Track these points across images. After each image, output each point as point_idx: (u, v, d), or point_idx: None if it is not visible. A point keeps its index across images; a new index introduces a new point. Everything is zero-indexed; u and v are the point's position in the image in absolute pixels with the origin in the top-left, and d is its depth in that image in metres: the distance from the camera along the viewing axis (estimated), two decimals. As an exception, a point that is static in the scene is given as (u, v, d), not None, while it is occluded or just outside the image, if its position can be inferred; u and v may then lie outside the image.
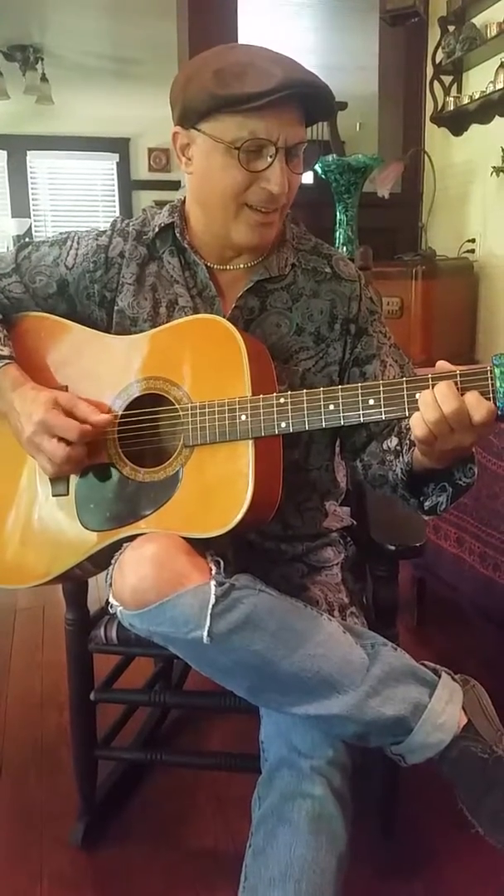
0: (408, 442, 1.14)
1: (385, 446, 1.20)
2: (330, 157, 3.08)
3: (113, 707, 1.63)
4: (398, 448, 1.16)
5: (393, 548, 1.38)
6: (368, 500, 1.50)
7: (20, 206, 7.15)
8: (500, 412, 0.98)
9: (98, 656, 1.48)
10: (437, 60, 3.46)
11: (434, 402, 0.97)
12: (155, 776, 1.71)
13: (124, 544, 1.12)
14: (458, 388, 0.98)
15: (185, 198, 1.25)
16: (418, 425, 0.99)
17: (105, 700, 1.52)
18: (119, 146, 7.29)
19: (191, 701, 1.64)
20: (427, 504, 1.14)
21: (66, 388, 1.22)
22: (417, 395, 1.00)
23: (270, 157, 1.09)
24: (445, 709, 1.09)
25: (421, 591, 2.36)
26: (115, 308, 1.25)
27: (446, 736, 1.09)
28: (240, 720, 1.62)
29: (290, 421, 1.06)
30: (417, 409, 1.00)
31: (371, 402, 1.03)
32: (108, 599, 1.13)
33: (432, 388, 0.98)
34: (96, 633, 1.44)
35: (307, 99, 1.09)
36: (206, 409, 1.10)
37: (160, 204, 1.34)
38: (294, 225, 1.29)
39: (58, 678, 2.01)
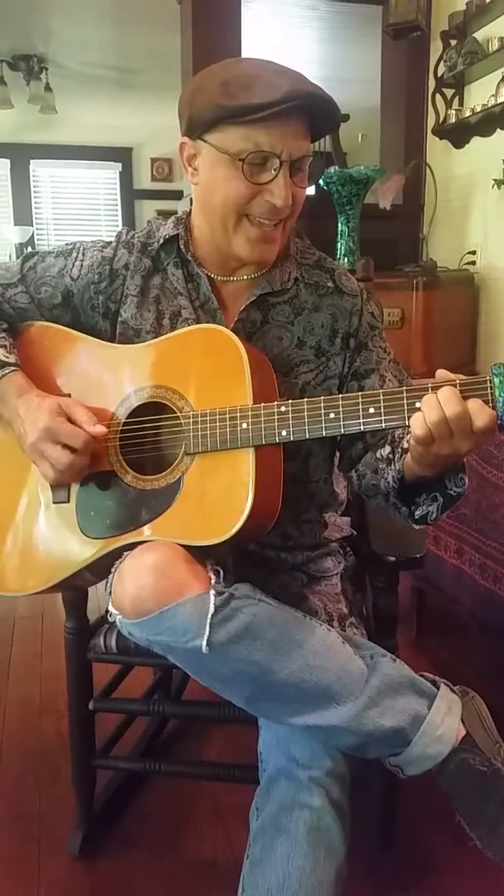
0: (400, 450, 1.14)
1: (378, 455, 1.21)
2: (332, 169, 3.10)
3: (112, 716, 1.63)
4: (390, 456, 1.17)
5: (393, 558, 1.38)
6: (369, 510, 1.50)
7: (23, 215, 7.18)
8: (499, 421, 0.98)
9: (97, 665, 1.48)
10: (439, 74, 3.48)
11: (437, 404, 0.98)
12: (153, 786, 1.70)
13: (124, 553, 1.12)
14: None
15: (190, 210, 1.26)
16: (419, 425, 0.99)
17: (104, 709, 1.52)
18: (122, 156, 7.32)
19: (189, 711, 1.64)
20: (418, 513, 1.15)
21: (69, 397, 1.23)
22: (418, 404, 1.01)
23: (275, 169, 1.10)
24: (444, 720, 1.09)
25: (420, 602, 2.36)
26: (119, 319, 1.26)
27: (445, 748, 1.08)
28: (238, 730, 1.62)
29: (291, 429, 1.07)
30: (418, 411, 1.00)
31: (371, 410, 1.03)
32: (107, 608, 1.13)
33: (435, 391, 0.99)
34: (95, 642, 1.44)
35: (313, 112, 1.10)
36: (208, 418, 1.10)
37: (162, 214, 1.35)
38: (298, 239, 1.29)
39: (57, 687, 2.01)
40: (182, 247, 1.24)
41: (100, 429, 1.16)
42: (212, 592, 1.03)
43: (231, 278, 1.24)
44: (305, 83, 1.08)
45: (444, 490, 1.11)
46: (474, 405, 0.98)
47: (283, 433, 1.07)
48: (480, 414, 0.97)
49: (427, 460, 1.05)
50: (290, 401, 1.08)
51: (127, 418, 1.19)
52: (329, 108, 1.10)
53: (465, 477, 1.10)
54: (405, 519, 1.18)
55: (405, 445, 1.11)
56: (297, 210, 1.17)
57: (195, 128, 1.13)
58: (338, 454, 1.32)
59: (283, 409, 1.07)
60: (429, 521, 1.14)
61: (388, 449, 1.18)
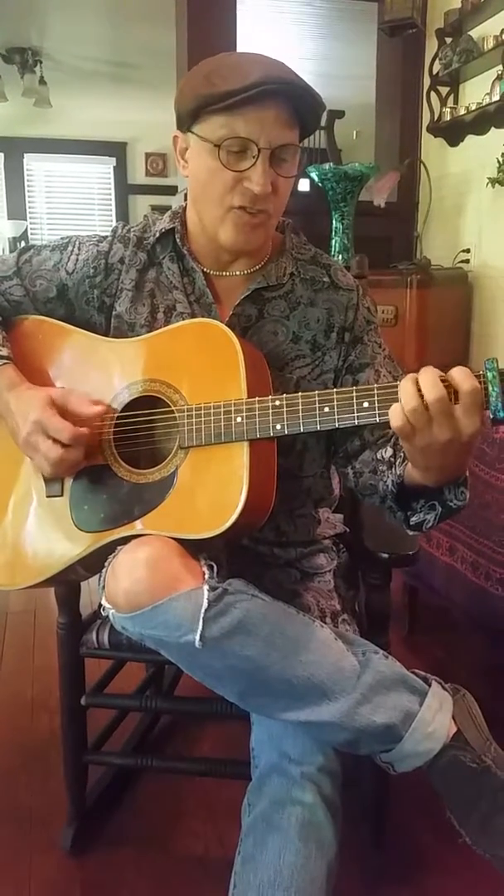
0: (402, 454, 1.13)
1: (379, 456, 1.20)
2: (326, 165, 3.10)
3: (103, 712, 1.63)
4: (392, 459, 1.17)
5: (386, 556, 1.38)
6: (362, 507, 1.50)
7: (16, 209, 7.15)
8: (492, 416, 0.97)
9: (89, 661, 1.47)
10: (435, 71, 3.49)
11: (416, 393, 0.96)
12: (145, 782, 1.70)
13: (118, 547, 1.12)
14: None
15: (185, 204, 1.26)
16: (396, 415, 0.97)
17: (96, 705, 1.52)
18: (116, 150, 7.30)
19: (181, 706, 1.63)
20: (413, 520, 1.14)
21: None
22: None
23: (253, 157, 1.09)
24: (435, 717, 1.09)
25: (413, 600, 2.36)
26: (113, 313, 1.26)
27: (436, 745, 1.08)
28: (231, 726, 1.62)
29: (286, 423, 1.06)
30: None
31: (366, 404, 1.03)
32: (100, 603, 1.13)
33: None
34: (88, 638, 1.43)
35: (293, 100, 1.09)
36: (202, 411, 1.10)
37: (157, 209, 1.35)
38: (294, 235, 1.29)
39: (49, 682, 2.01)
40: (178, 241, 1.24)
41: (98, 408, 1.16)
42: (205, 587, 1.03)
43: (225, 273, 1.24)
44: (280, 70, 1.07)
45: (442, 500, 1.10)
46: (458, 373, 0.95)
47: (278, 427, 1.07)
48: (465, 380, 0.95)
49: (417, 460, 1.04)
50: (285, 395, 1.08)
51: (121, 412, 1.19)
52: (306, 95, 1.09)
53: (466, 491, 1.09)
54: (399, 523, 1.18)
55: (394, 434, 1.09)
56: (281, 200, 1.16)
57: (184, 120, 1.14)
58: (334, 448, 1.32)
59: (277, 403, 1.07)
60: (423, 529, 1.14)
61: (389, 451, 1.18)
